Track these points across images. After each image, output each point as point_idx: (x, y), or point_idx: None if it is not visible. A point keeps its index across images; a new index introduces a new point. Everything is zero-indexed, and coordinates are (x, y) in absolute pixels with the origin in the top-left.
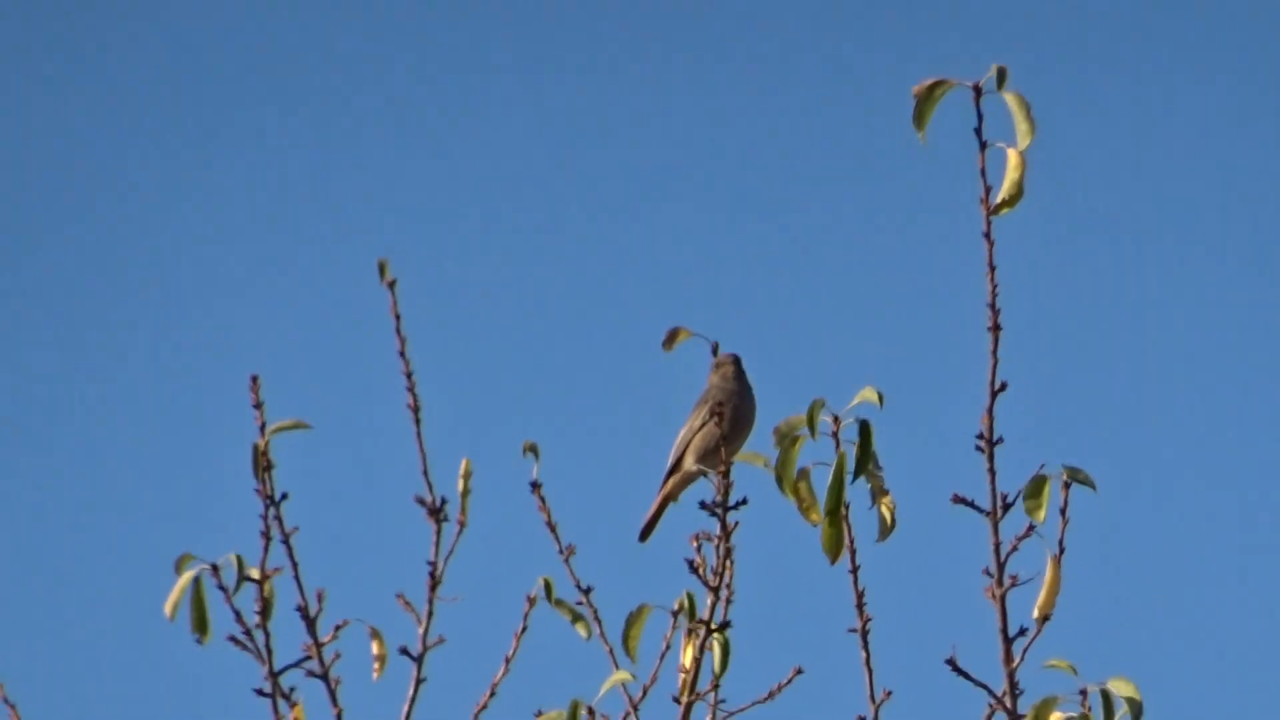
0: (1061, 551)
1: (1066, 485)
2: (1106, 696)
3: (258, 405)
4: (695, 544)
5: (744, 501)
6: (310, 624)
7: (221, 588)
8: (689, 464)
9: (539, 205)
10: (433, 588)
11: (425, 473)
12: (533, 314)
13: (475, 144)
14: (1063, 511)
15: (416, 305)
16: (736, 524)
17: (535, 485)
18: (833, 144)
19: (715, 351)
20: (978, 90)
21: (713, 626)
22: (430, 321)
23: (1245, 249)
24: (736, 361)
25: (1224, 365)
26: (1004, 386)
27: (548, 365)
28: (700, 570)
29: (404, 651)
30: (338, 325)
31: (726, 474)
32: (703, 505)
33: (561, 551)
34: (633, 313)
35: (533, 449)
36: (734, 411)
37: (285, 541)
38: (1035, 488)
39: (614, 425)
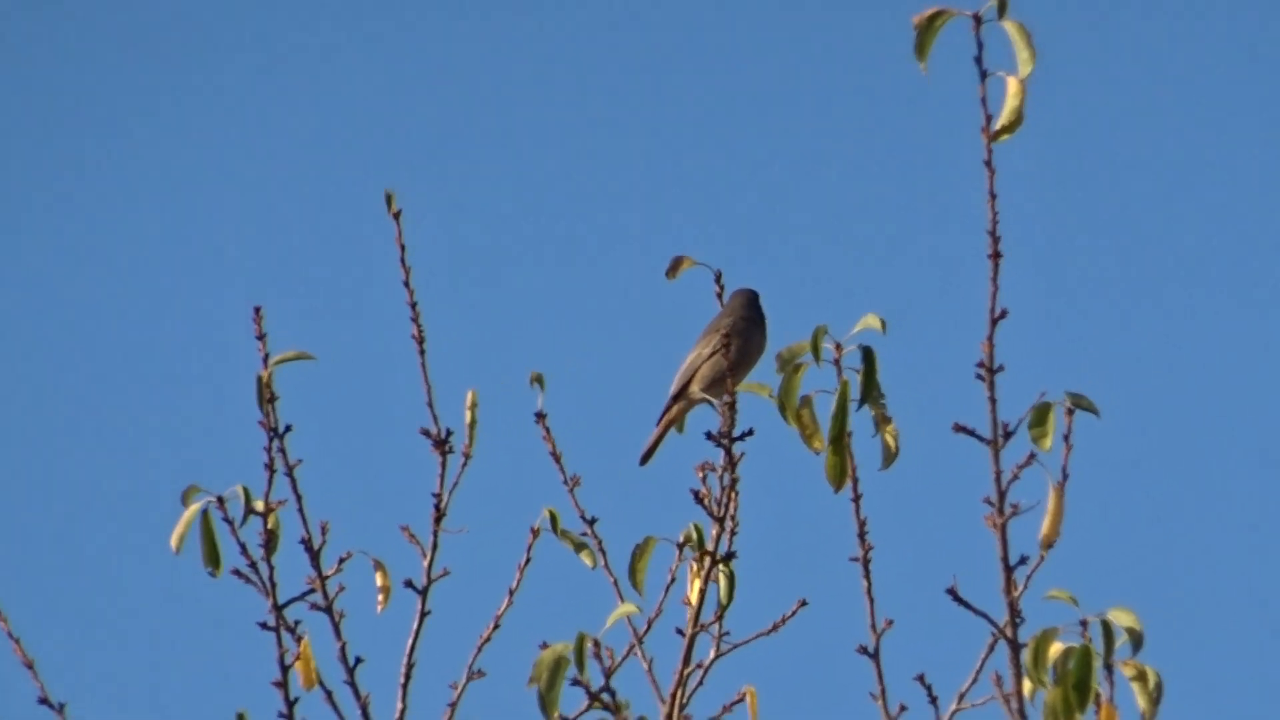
0: (1065, 479)
1: (1070, 412)
2: (1107, 626)
3: (261, 337)
4: (700, 475)
5: (750, 432)
6: (314, 557)
7: (227, 520)
8: (695, 391)
9: (543, 133)
10: (437, 520)
11: (430, 404)
12: (538, 243)
13: (483, 75)
14: (1066, 438)
15: (422, 236)
16: (742, 455)
17: (540, 415)
18: (836, 75)
19: (719, 280)
20: (978, 20)
21: (718, 558)
22: (436, 252)
23: (1247, 169)
24: (754, 297)
25: (1226, 289)
26: (1004, 314)
27: (552, 295)
28: (705, 501)
29: (409, 584)
30: (343, 256)
31: (732, 405)
32: (709, 436)
33: (566, 482)
34: (637, 241)
35: (538, 379)
36: (743, 342)
37: (289, 474)
38: (1040, 415)
39: (618, 355)
